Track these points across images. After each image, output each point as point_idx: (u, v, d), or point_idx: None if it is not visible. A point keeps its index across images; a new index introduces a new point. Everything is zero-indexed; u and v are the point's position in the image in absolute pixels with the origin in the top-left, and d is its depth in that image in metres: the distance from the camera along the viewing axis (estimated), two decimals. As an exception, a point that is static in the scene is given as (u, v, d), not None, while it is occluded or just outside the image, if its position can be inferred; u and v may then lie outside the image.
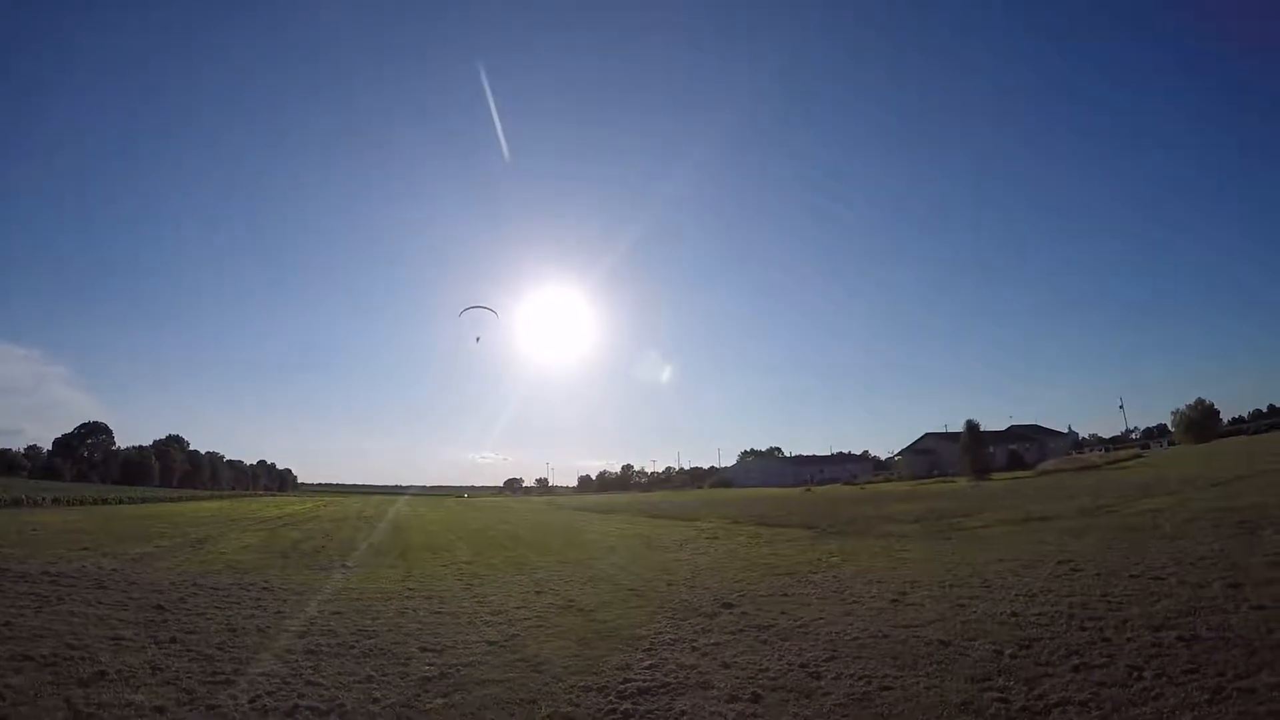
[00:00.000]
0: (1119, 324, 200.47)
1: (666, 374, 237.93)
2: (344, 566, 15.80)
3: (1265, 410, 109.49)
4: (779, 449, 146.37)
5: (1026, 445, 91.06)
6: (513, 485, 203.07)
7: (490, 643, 8.40)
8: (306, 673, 7.06)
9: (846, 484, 78.09)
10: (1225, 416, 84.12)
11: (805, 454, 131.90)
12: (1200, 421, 73.64)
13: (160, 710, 5.90)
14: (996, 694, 5.72)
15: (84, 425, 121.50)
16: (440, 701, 6.21)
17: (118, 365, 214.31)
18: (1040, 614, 8.25)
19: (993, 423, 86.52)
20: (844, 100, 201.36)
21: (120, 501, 51.16)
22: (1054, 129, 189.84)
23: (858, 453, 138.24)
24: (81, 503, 45.65)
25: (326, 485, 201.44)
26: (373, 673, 7.09)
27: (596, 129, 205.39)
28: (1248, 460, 32.45)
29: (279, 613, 10.22)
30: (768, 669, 6.91)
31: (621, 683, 6.64)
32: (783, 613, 9.52)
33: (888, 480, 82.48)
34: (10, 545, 17.92)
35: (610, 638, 8.55)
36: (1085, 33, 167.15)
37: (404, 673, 7.10)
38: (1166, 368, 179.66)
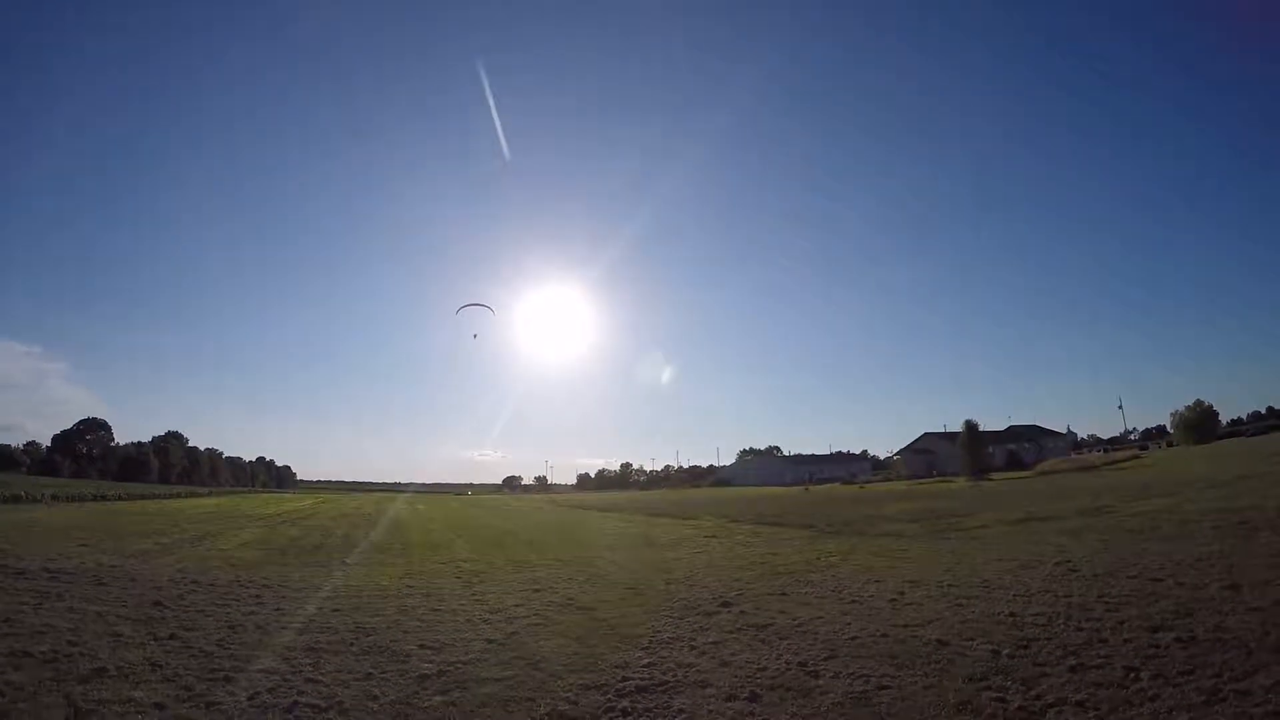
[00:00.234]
0: (1119, 324, 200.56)
1: (666, 373, 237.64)
2: (343, 564, 15.82)
3: (1264, 412, 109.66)
4: (778, 448, 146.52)
5: (1025, 445, 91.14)
6: (512, 483, 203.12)
7: (489, 640, 8.41)
8: (306, 670, 7.06)
9: (845, 483, 78.19)
10: (1224, 418, 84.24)
11: (804, 453, 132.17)
12: (1199, 423, 73.68)
13: (160, 707, 5.90)
14: (994, 694, 5.73)
15: (83, 421, 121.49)
16: (439, 699, 6.22)
17: (117, 362, 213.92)
18: (1038, 614, 8.27)
19: (992, 423, 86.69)
20: (843, 99, 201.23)
21: (119, 498, 51.14)
22: (1053, 129, 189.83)
23: (856, 452, 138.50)
24: (80, 499, 45.63)
25: (326, 482, 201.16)
26: (372, 670, 7.10)
27: (596, 127, 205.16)
28: (1246, 462, 32.51)
29: (278, 610, 10.22)
30: (766, 668, 6.92)
31: (620, 681, 6.65)
32: (781, 612, 9.54)
33: (886, 480, 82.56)
34: (9, 542, 17.91)
35: (609, 636, 8.56)
36: (1087, 32, 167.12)
37: (403, 670, 7.11)
38: (1166, 369, 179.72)
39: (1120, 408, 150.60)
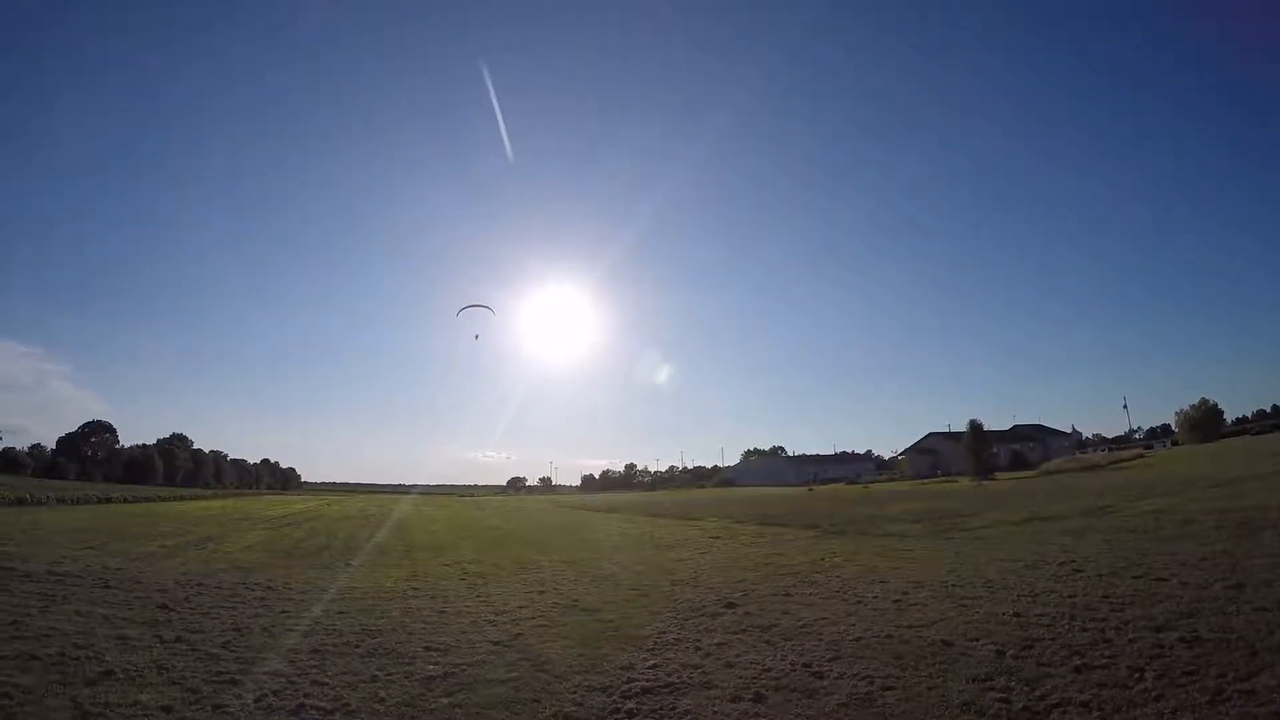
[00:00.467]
0: (1123, 323, 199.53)
1: (669, 373, 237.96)
2: (348, 566, 15.85)
3: (1269, 410, 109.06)
4: (782, 448, 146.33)
5: (1030, 445, 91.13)
6: (516, 484, 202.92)
7: (494, 642, 8.44)
8: (312, 672, 7.10)
9: (849, 483, 78.15)
10: (1229, 417, 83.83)
11: (808, 453, 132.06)
12: (1204, 422, 73.44)
13: (167, 710, 5.94)
14: (998, 694, 5.74)
15: (88, 424, 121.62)
16: (445, 701, 6.25)
17: (121, 364, 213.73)
18: (1042, 614, 8.28)
19: (996, 422, 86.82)
20: (845, 98, 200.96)
21: (124, 500, 51.19)
22: (1056, 128, 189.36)
23: (861, 452, 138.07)
24: (85, 502, 45.71)
25: (330, 484, 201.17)
26: (378, 672, 7.13)
27: (597, 127, 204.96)
28: (1251, 461, 32.42)
29: (284, 612, 10.26)
30: (771, 669, 6.94)
31: (625, 682, 6.68)
32: (785, 612, 9.55)
33: (891, 480, 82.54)
34: (15, 544, 17.96)
35: (614, 637, 8.59)
36: (1092, 31, 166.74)
37: (409, 672, 7.14)
38: (1170, 368, 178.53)
39: (1125, 407, 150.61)
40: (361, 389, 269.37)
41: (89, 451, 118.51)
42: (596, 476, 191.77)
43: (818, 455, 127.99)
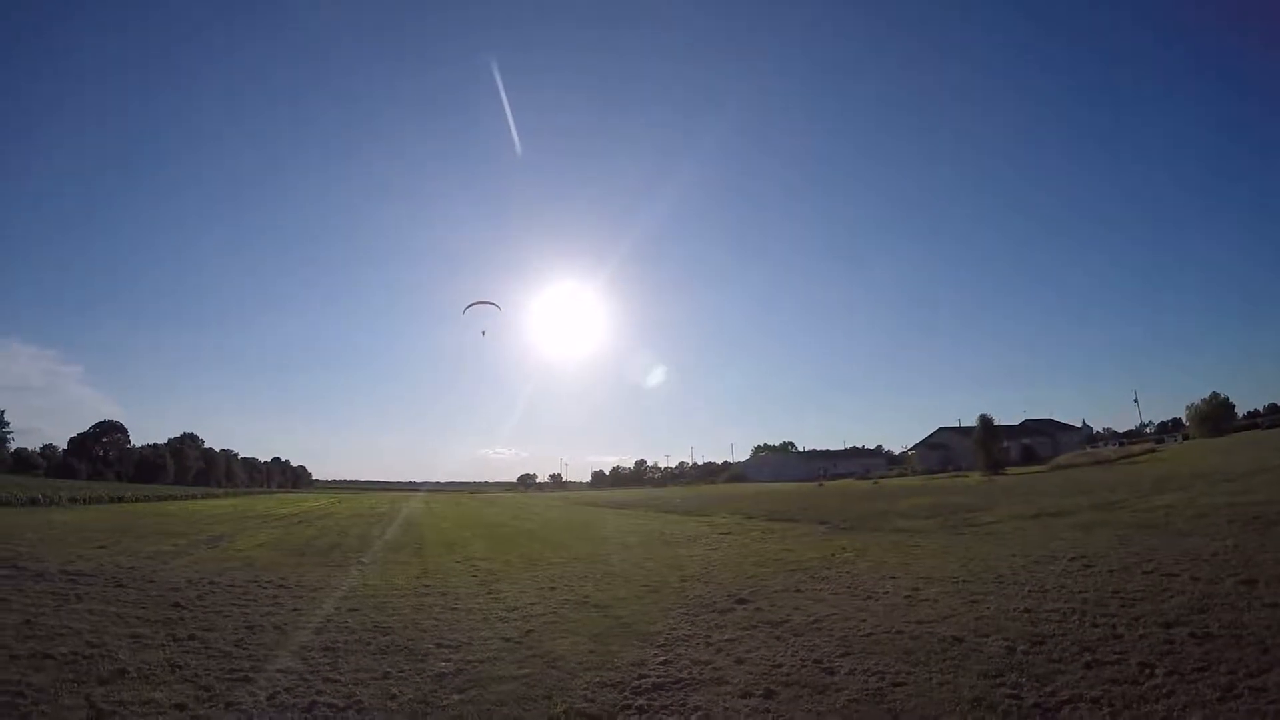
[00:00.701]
0: (1134, 317, 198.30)
1: (679, 369, 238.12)
2: (359, 563, 15.94)
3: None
4: (792, 444, 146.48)
5: (1040, 440, 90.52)
6: (526, 481, 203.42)
7: (506, 639, 8.48)
8: (324, 669, 7.15)
9: (860, 479, 78.00)
10: (1240, 411, 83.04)
11: (818, 449, 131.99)
12: (1215, 416, 72.77)
13: (180, 707, 5.98)
14: (1009, 690, 5.74)
15: (99, 424, 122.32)
16: (457, 698, 6.28)
17: (132, 364, 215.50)
18: (1053, 610, 8.26)
19: (1006, 417, 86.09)
20: (857, 94, 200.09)
21: (136, 500, 51.44)
22: (1065, 123, 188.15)
23: (871, 447, 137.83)
24: (97, 501, 45.97)
25: (341, 482, 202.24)
26: (390, 669, 7.18)
27: (607, 122, 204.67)
28: (1262, 455, 32.15)
29: (295, 610, 10.33)
30: (781, 664, 6.96)
31: (636, 678, 6.71)
32: (796, 608, 9.56)
33: (901, 475, 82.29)
34: (28, 544, 18.10)
35: (625, 633, 8.61)
36: (1102, 27, 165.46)
37: (421, 669, 7.18)
38: (1181, 361, 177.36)
39: (1136, 401, 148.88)
40: (372, 387, 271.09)
41: (100, 451, 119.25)
42: (607, 473, 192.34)
43: (828, 450, 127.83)
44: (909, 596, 9.83)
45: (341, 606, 10.56)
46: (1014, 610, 8.43)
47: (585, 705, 6.03)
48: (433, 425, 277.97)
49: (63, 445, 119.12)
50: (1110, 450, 68.79)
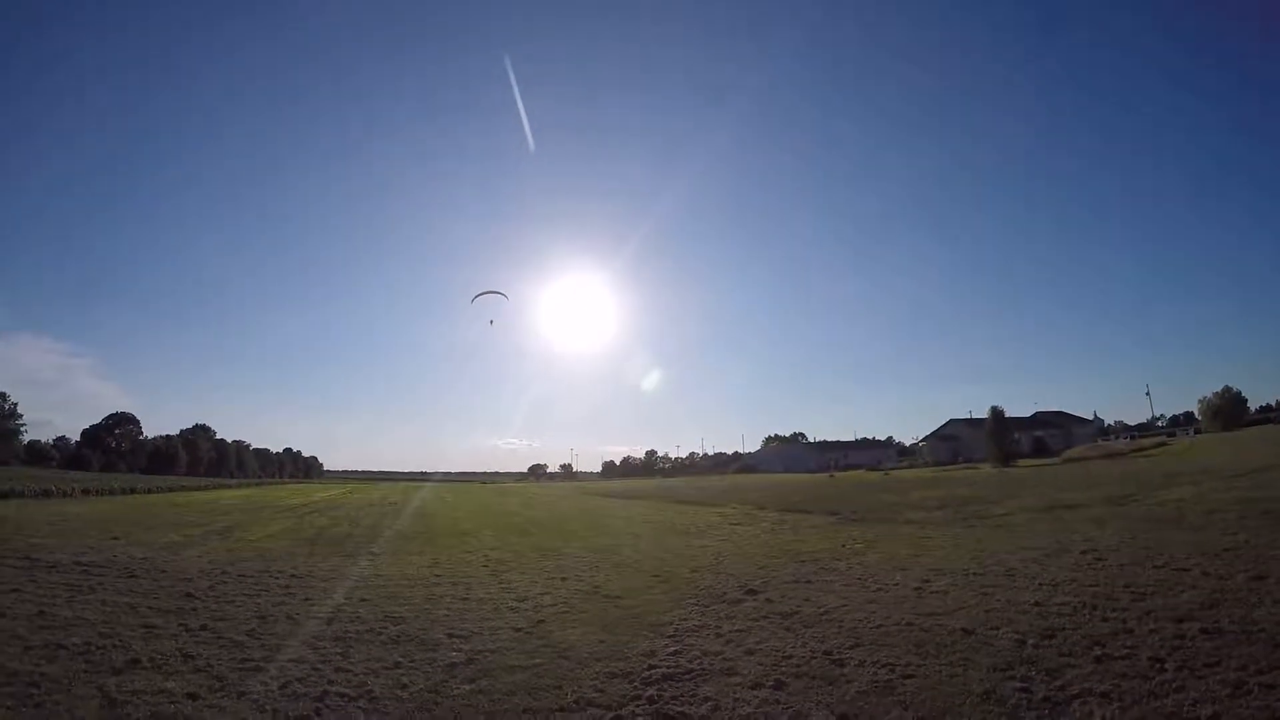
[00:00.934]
0: (1146, 310, 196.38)
1: (690, 360, 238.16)
2: (370, 553, 16.01)
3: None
4: (803, 434, 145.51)
5: (1052, 432, 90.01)
6: (537, 471, 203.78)
7: (516, 629, 8.52)
8: (335, 659, 7.20)
9: (870, 470, 77.59)
10: (1253, 404, 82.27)
11: (829, 439, 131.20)
12: (1227, 409, 72.12)
13: (193, 697, 6.04)
14: (1019, 684, 5.73)
15: (111, 416, 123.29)
16: (468, 687, 6.32)
17: (144, 356, 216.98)
18: (1063, 604, 8.24)
19: (1018, 409, 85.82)
20: (868, 85, 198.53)
21: (148, 491, 51.94)
22: (1078, 117, 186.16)
23: (882, 438, 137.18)
24: (110, 492, 46.50)
25: (352, 473, 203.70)
26: (401, 659, 7.23)
27: (619, 116, 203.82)
28: (1275, 449, 31.89)
29: (307, 600, 10.40)
30: (791, 656, 6.97)
31: (647, 669, 6.73)
32: (806, 600, 9.57)
33: (912, 466, 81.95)
34: (41, 535, 18.33)
35: (635, 624, 8.65)
36: (1116, 21, 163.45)
37: (432, 659, 7.23)
38: (1194, 355, 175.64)
39: (1148, 394, 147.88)
40: (382, 378, 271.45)
41: (113, 443, 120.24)
42: (617, 463, 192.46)
43: (839, 441, 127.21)
44: (919, 588, 9.83)
45: (353, 596, 10.63)
46: (1024, 603, 8.42)
47: (595, 695, 6.05)
48: (444, 416, 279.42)
49: (75, 437, 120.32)
50: (1122, 443, 68.24)
